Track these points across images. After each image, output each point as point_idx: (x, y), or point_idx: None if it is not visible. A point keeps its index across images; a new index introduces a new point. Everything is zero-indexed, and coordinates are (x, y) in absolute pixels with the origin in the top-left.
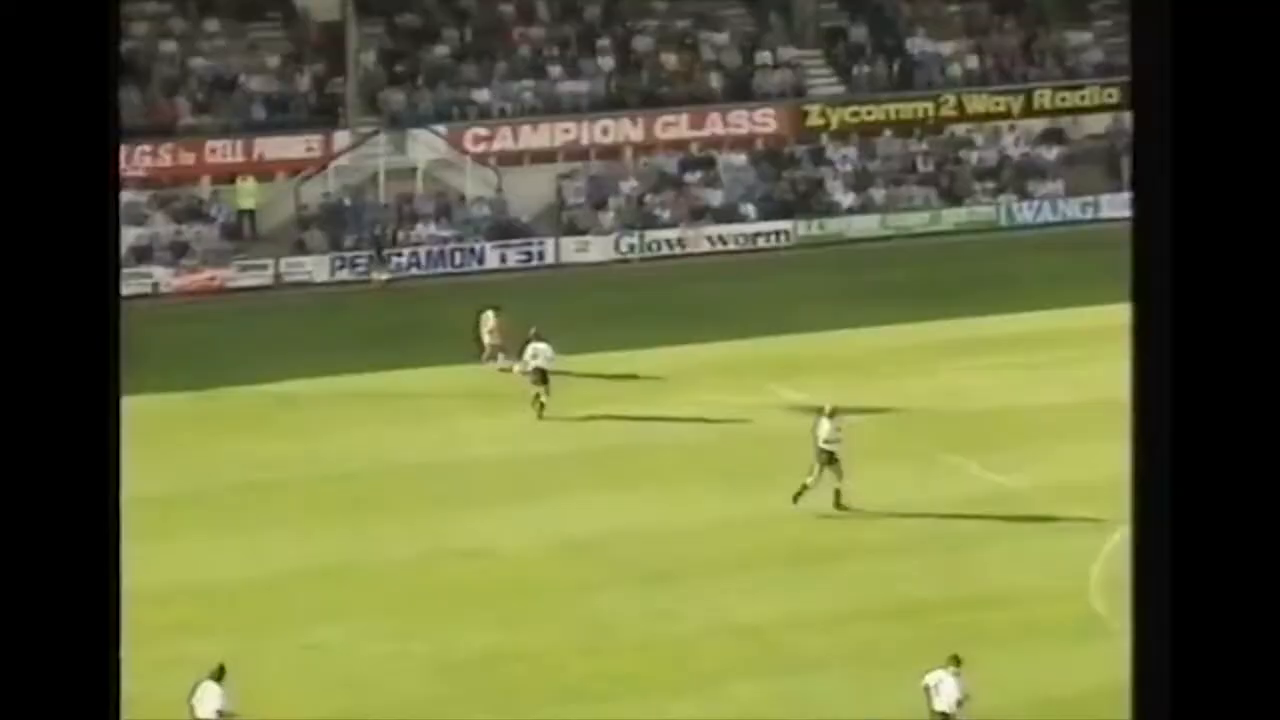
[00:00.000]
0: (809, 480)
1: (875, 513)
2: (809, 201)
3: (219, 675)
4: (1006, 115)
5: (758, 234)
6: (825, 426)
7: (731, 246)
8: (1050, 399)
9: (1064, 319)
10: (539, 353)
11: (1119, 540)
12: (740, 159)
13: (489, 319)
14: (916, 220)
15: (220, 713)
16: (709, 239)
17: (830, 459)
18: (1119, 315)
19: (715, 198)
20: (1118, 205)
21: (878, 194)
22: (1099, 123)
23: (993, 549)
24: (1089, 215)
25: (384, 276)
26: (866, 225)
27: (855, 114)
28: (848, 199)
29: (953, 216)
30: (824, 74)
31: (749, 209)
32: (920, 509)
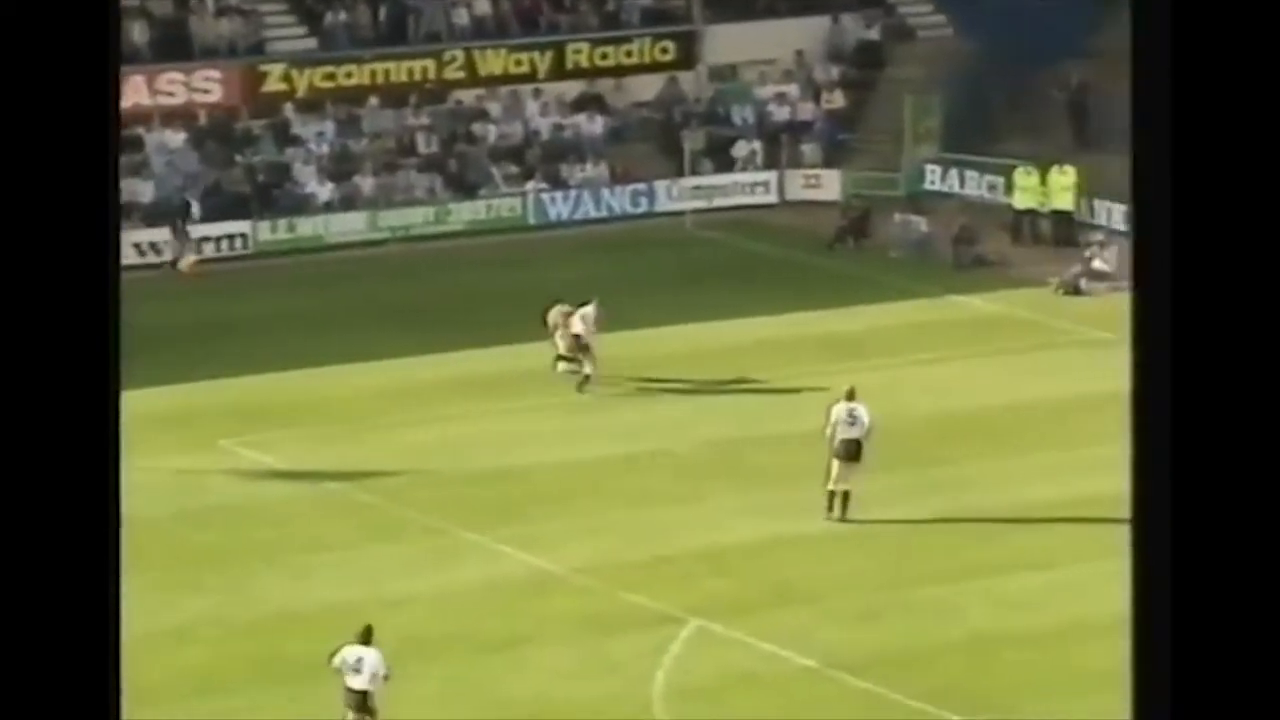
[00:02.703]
0: (833, 485)
1: (367, 612)
2: (272, 195)
3: (367, 638)
4: (531, 77)
5: (203, 239)
6: (844, 411)
7: (168, 256)
8: (594, 451)
9: (608, 345)
10: (585, 318)
11: (689, 637)
12: (176, 138)
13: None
14: (417, 218)
15: (376, 675)
16: (136, 247)
17: (855, 452)
18: (677, 340)
19: (144, 191)
20: (678, 194)
21: (364, 183)
22: (649, 86)
23: (530, 653)
24: (641, 208)
25: (191, 258)
26: (351, 226)
27: (330, 76)
28: (325, 191)
29: (465, 212)
30: (286, 23)
31: (190, 206)
32: (429, 604)
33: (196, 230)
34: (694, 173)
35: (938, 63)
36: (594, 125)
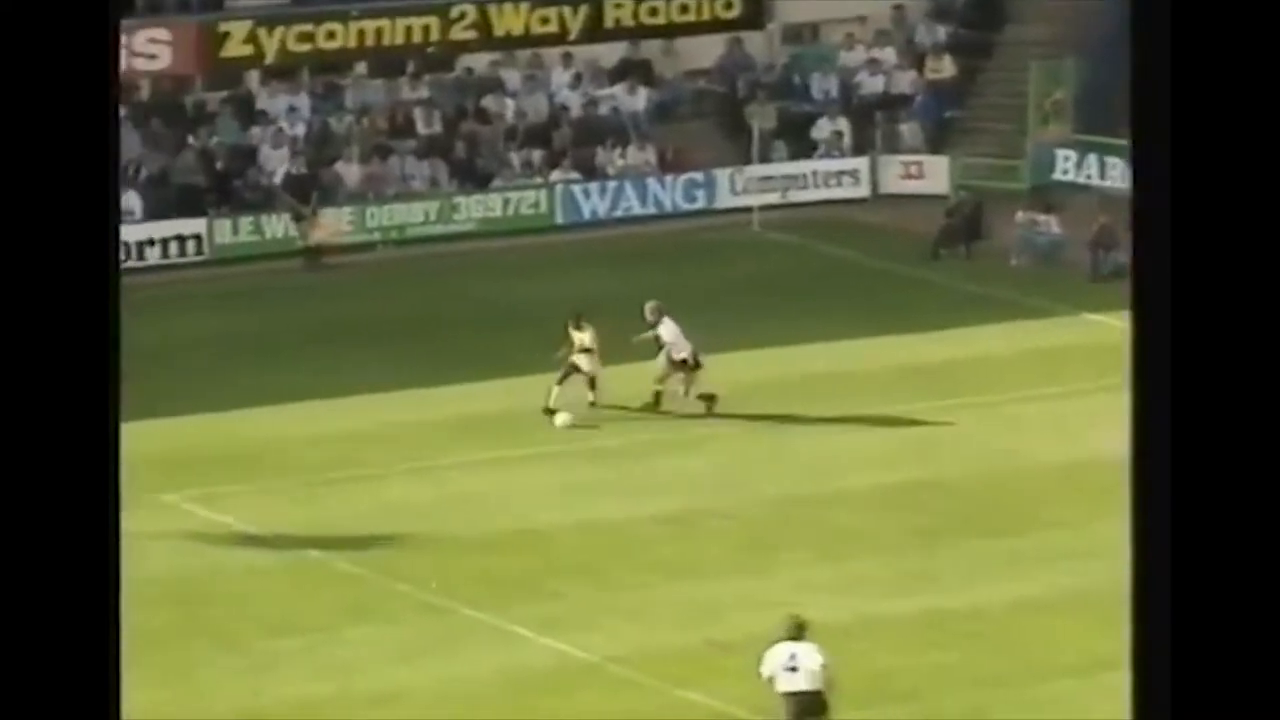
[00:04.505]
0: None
1: (347, 710)
2: (233, 186)
3: (798, 632)
4: (559, 38)
5: (146, 244)
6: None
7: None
8: (633, 510)
9: (647, 377)
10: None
11: None
12: None
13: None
14: (415, 215)
15: (814, 673)
16: None
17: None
18: (738, 370)
19: None
20: (744, 186)
21: (349, 172)
22: (708, 51)
23: None
24: (697, 203)
25: (317, 238)
26: (331, 226)
27: (307, 38)
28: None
29: (475, 208)
30: None
31: (131, 202)
32: (426, 701)
33: (139, 231)
34: (763, 159)
35: (1071, 21)
36: (637, 99)
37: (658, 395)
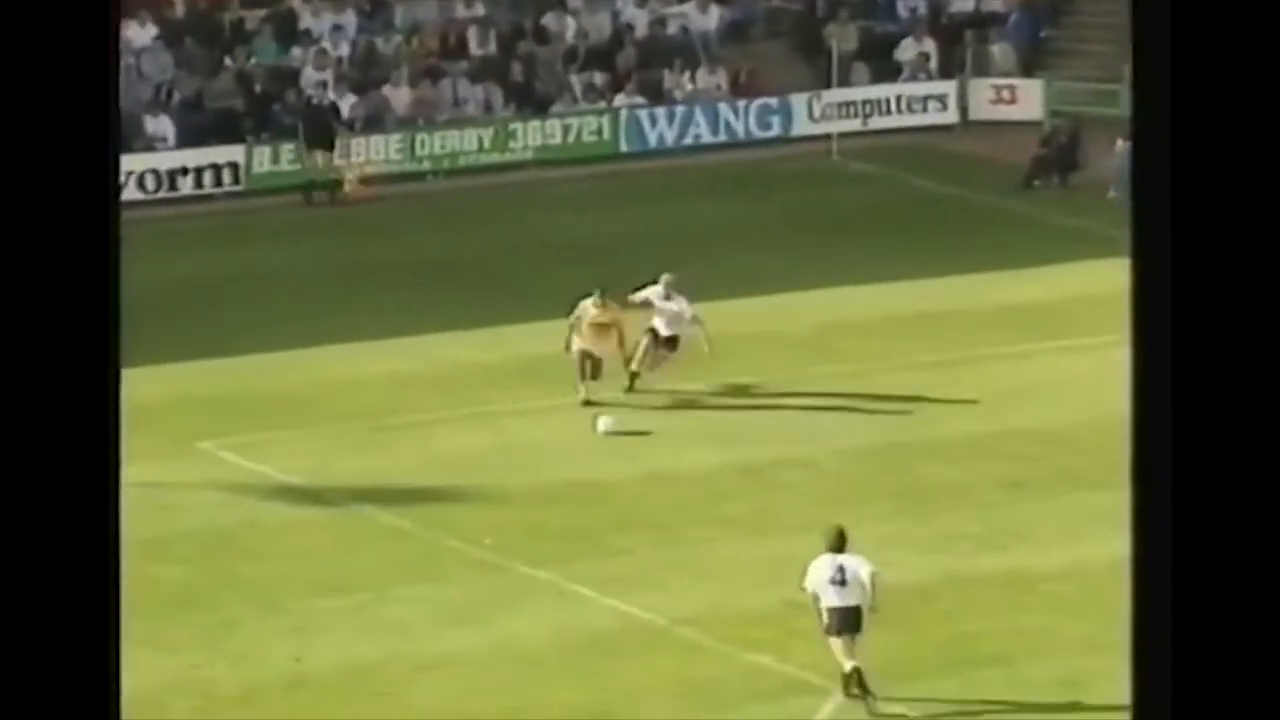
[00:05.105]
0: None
1: (395, 675)
2: (272, 111)
3: (840, 543)
4: None
5: (179, 173)
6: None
7: (135, 196)
8: (702, 460)
9: (722, 318)
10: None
11: (835, 713)
12: (143, 34)
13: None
14: (468, 143)
15: (865, 586)
16: None
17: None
18: (817, 310)
19: None
20: (822, 112)
21: (396, 96)
22: None
23: None
24: (772, 130)
25: (350, 175)
26: (378, 153)
27: None
28: (343, 106)
29: (533, 135)
30: None
31: (163, 127)
32: (481, 666)
33: (170, 159)
34: (844, 83)
35: None
36: (708, 18)
37: (633, 377)
